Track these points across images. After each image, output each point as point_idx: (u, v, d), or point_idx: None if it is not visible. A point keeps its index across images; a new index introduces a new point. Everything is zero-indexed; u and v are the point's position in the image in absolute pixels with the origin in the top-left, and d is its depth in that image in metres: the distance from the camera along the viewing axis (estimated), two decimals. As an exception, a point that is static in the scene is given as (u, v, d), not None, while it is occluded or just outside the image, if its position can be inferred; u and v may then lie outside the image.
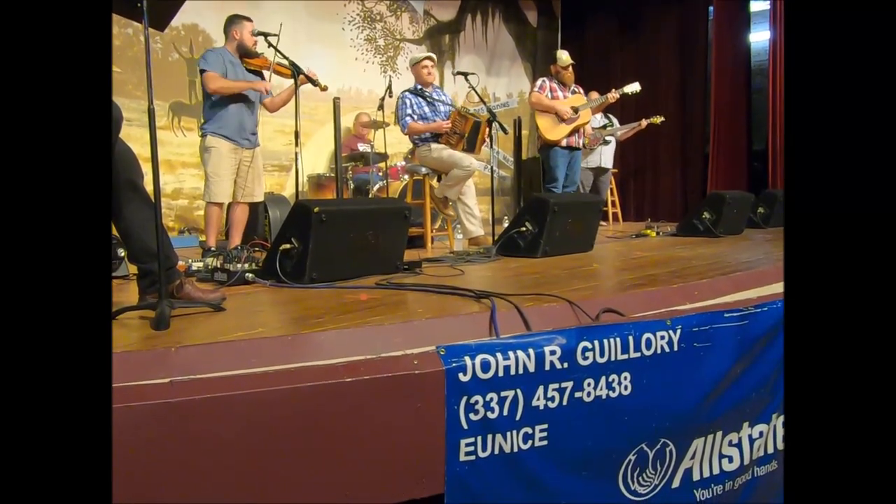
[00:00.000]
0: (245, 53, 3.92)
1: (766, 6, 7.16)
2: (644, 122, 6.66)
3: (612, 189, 7.14)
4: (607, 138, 6.55)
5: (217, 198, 3.89)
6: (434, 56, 4.70)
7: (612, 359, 1.75)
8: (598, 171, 6.58)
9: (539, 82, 5.44)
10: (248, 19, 3.97)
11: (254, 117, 4.02)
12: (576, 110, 5.25)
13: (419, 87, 4.61)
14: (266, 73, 3.93)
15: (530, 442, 1.64)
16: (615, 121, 6.89)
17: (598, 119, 6.61)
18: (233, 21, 3.95)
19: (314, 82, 3.82)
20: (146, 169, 1.93)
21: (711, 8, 7.57)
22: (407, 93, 4.57)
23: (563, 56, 5.50)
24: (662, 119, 6.67)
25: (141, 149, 1.93)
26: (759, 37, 7.58)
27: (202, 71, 3.78)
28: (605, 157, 6.58)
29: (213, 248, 3.71)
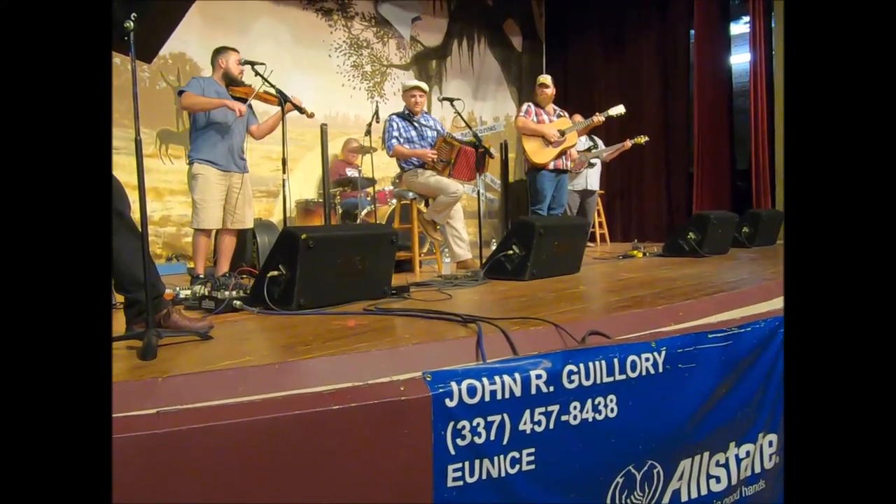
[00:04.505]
0: (231, 81, 4.01)
1: (746, 29, 7.31)
2: (628, 143, 6.72)
3: (598, 210, 7.19)
4: (592, 161, 6.61)
5: (205, 224, 3.89)
6: (424, 87, 4.70)
7: (598, 381, 1.77)
8: (585, 194, 6.63)
9: (524, 107, 5.49)
10: (235, 50, 4.07)
11: (241, 142, 4.05)
12: (562, 133, 5.30)
13: (407, 111, 4.66)
14: (251, 101, 3.99)
15: (518, 466, 1.64)
16: (600, 143, 6.95)
17: (584, 141, 6.66)
18: (219, 52, 4.06)
19: (301, 109, 3.91)
20: (133, 197, 1.94)
21: (692, 31, 7.72)
22: (394, 116, 4.61)
23: (541, 77, 5.58)
24: (647, 139, 6.71)
25: (129, 177, 1.94)
26: (740, 59, 7.72)
27: (180, 93, 3.84)
28: (591, 179, 6.64)
29: (201, 276, 3.71)
